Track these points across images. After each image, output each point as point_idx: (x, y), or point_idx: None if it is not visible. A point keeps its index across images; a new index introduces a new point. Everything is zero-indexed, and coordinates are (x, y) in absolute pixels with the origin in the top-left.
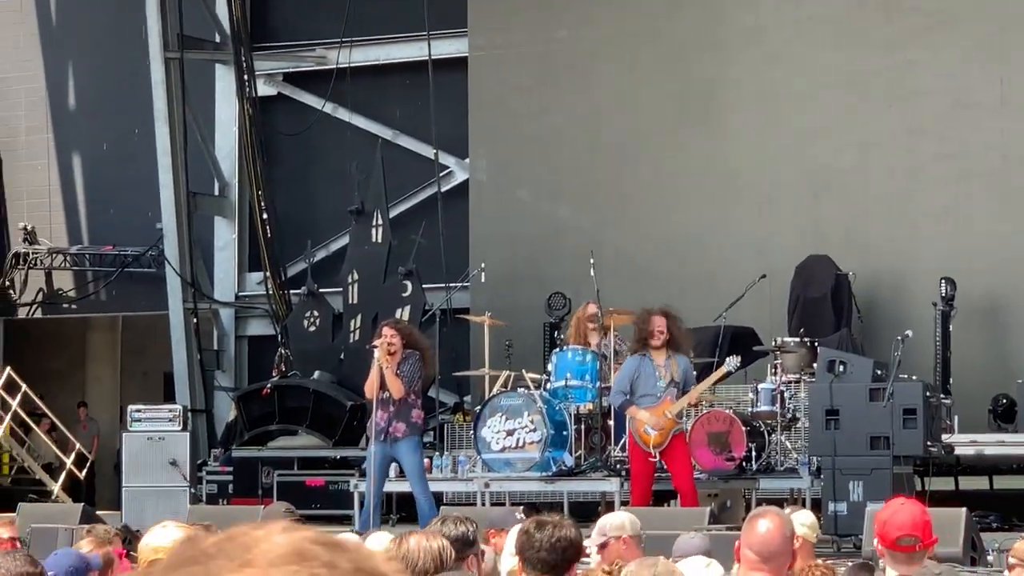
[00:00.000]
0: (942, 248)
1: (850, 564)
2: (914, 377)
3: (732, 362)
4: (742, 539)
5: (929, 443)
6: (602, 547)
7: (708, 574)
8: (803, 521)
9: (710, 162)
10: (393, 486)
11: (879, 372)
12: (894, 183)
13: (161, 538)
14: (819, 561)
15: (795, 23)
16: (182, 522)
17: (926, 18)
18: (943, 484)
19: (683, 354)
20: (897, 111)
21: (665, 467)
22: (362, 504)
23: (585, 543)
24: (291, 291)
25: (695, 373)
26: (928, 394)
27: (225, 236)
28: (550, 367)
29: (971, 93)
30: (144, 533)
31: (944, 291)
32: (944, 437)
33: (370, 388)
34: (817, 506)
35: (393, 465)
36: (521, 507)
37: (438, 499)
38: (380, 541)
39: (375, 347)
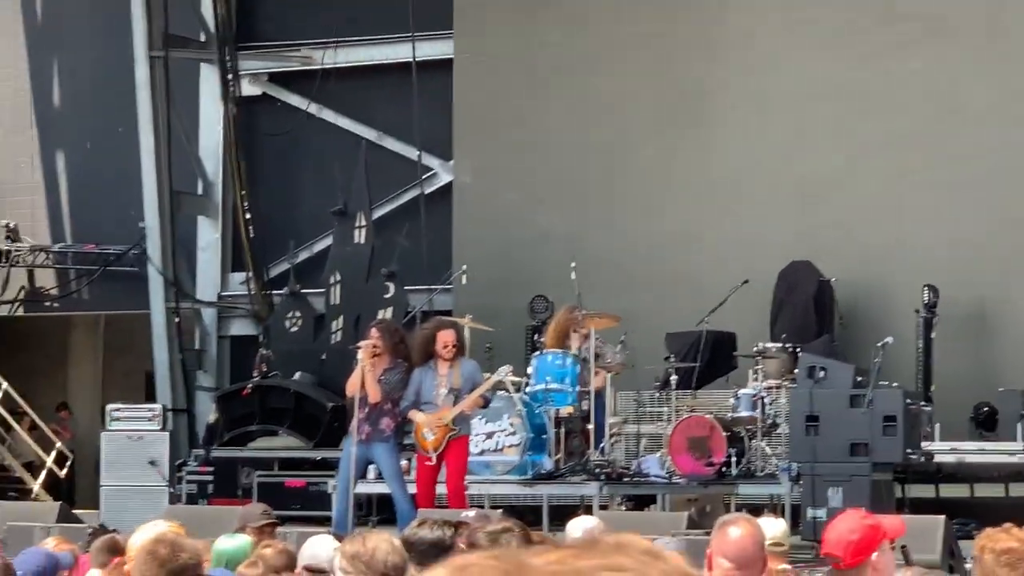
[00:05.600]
0: (926, 255)
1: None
2: (895, 384)
3: (503, 371)
4: (713, 546)
5: (909, 450)
6: None
7: None
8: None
9: (697, 166)
10: (373, 488)
11: (859, 379)
12: (880, 190)
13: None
14: (787, 567)
15: (786, 28)
16: (173, 522)
17: (917, 26)
18: (923, 491)
19: (469, 359)
20: (885, 118)
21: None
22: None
23: None
24: (273, 292)
25: (485, 375)
26: (908, 401)
27: (208, 236)
28: (530, 370)
29: (959, 102)
30: (120, 532)
31: (927, 298)
32: (924, 444)
33: (351, 386)
34: (796, 512)
35: (372, 467)
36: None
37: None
38: (325, 543)
39: (359, 348)
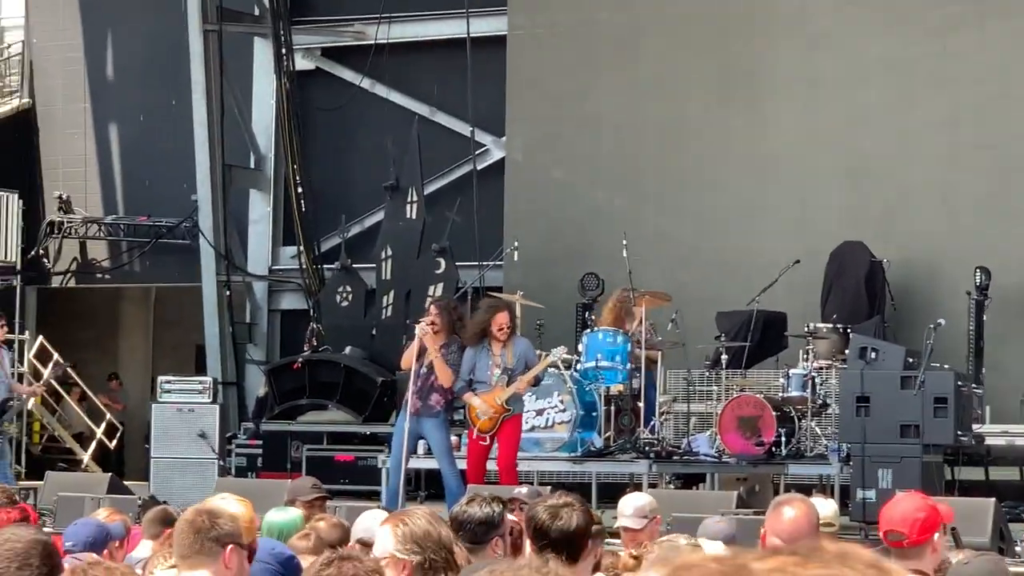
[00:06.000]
0: (978, 237)
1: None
2: (946, 366)
3: (557, 352)
4: (767, 526)
5: (959, 432)
6: (639, 529)
7: None
8: (824, 513)
9: (748, 145)
10: (422, 463)
11: (911, 360)
12: (932, 171)
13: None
14: None
15: (838, 7)
16: (237, 495)
17: (968, 6)
18: (973, 474)
19: (522, 336)
20: (938, 99)
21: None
22: (388, 479)
23: (623, 522)
24: (324, 266)
25: (538, 352)
26: (960, 383)
27: (260, 209)
28: (581, 348)
29: (1012, 83)
30: (170, 504)
31: (979, 280)
32: (975, 427)
33: (406, 361)
34: (846, 493)
35: (422, 442)
36: (548, 487)
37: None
38: (378, 518)
39: (418, 324)
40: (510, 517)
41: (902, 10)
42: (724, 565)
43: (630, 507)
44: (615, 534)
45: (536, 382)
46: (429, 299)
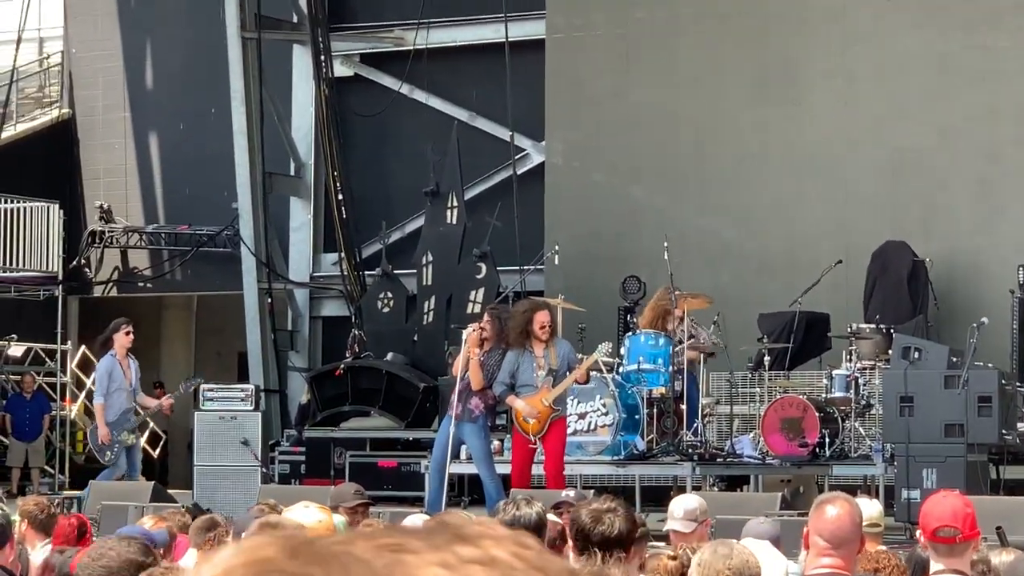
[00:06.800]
0: (1021, 234)
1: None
2: (990, 365)
3: (603, 348)
4: (811, 525)
5: (1004, 431)
6: (689, 532)
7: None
8: (869, 514)
9: (788, 144)
10: (464, 468)
11: (954, 359)
12: (973, 167)
13: (303, 518)
14: (883, 548)
15: (876, 3)
16: (319, 504)
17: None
18: (1019, 473)
19: (562, 339)
20: (977, 94)
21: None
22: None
23: (673, 526)
24: (365, 272)
25: (579, 355)
26: (1004, 382)
27: (300, 217)
28: (623, 350)
29: None
30: (212, 512)
31: (1022, 278)
32: (1020, 426)
33: (456, 366)
34: (891, 493)
35: (464, 447)
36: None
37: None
38: (415, 520)
39: (468, 330)
40: (555, 519)
41: (940, 4)
42: (287, 540)
43: (680, 510)
44: (661, 537)
45: (587, 379)
46: (483, 305)
